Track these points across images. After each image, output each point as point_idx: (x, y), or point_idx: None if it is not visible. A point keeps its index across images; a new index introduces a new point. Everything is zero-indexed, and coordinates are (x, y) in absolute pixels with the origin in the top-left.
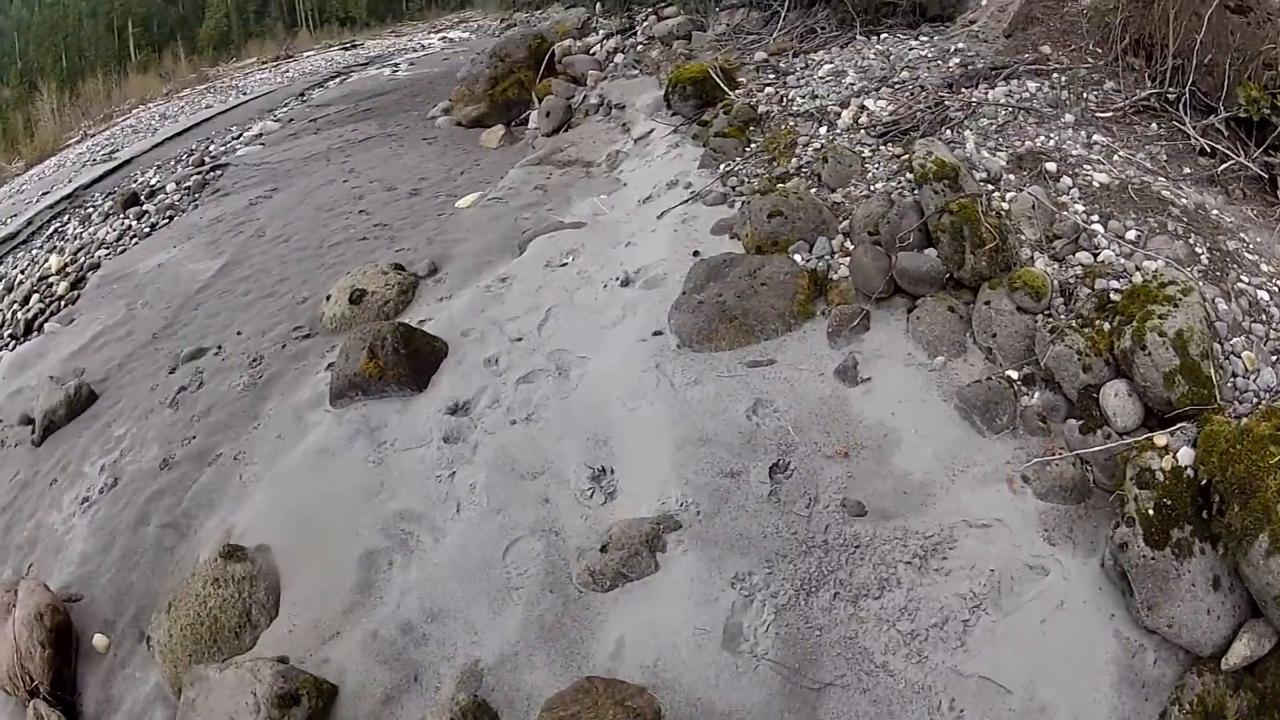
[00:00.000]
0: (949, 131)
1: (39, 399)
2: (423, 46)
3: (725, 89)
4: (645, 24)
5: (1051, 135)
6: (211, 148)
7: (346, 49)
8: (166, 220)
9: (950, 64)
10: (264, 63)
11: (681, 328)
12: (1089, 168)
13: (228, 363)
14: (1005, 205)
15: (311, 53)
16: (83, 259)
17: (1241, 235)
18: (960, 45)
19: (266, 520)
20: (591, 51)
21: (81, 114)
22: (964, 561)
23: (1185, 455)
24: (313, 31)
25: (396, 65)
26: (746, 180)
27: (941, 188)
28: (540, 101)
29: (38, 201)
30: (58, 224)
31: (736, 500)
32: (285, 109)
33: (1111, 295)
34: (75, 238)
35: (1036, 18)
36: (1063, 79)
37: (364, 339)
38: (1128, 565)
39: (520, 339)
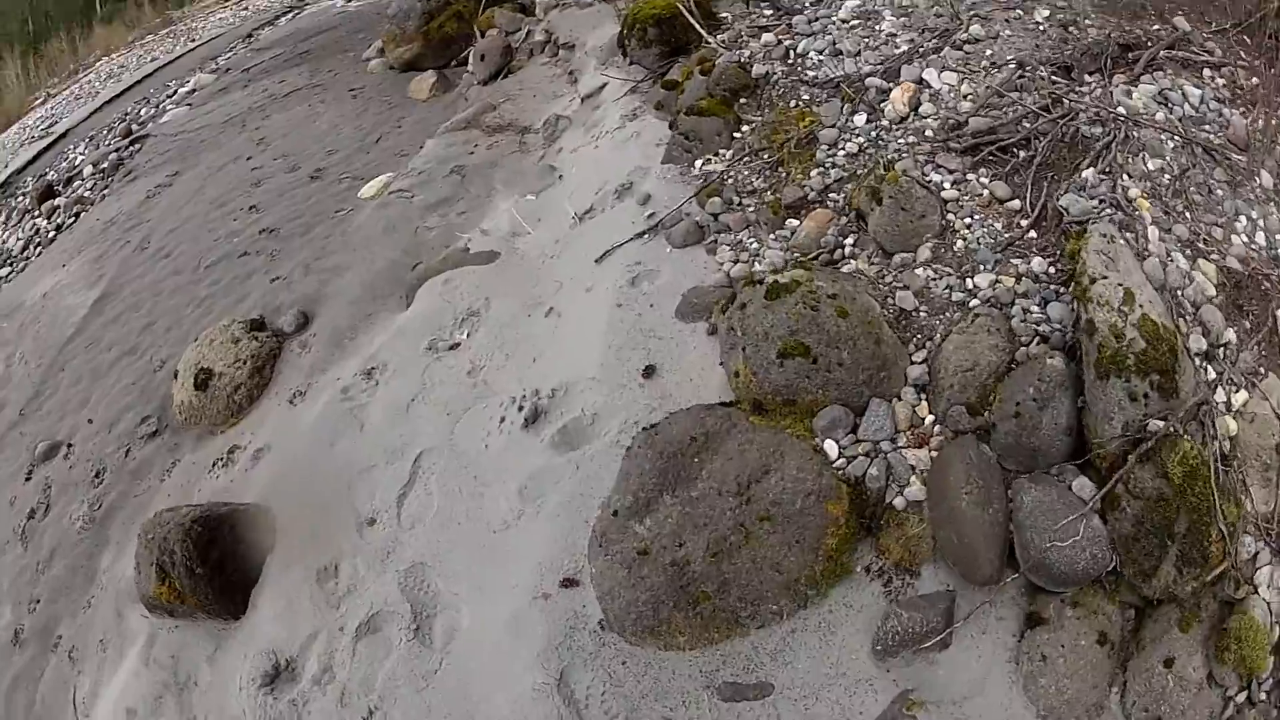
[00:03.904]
0: (1092, 174)
1: None
2: None
3: (703, 32)
4: None
5: (1254, 213)
6: (143, 111)
7: None
8: (73, 218)
9: (1040, 21)
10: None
11: (609, 592)
12: None
13: (74, 472)
14: (1231, 427)
15: None
16: None
17: None
18: None
19: None
20: None
21: (47, 74)
22: None
23: None
24: None
25: None
26: (736, 200)
27: (1146, 389)
28: (482, 37)
29: None
30: None
31: None
32: (227, 55)
33: None
34: None
35: None
36: (1223, 83)
37: (151, 550)
38: None
39: (373, 522)
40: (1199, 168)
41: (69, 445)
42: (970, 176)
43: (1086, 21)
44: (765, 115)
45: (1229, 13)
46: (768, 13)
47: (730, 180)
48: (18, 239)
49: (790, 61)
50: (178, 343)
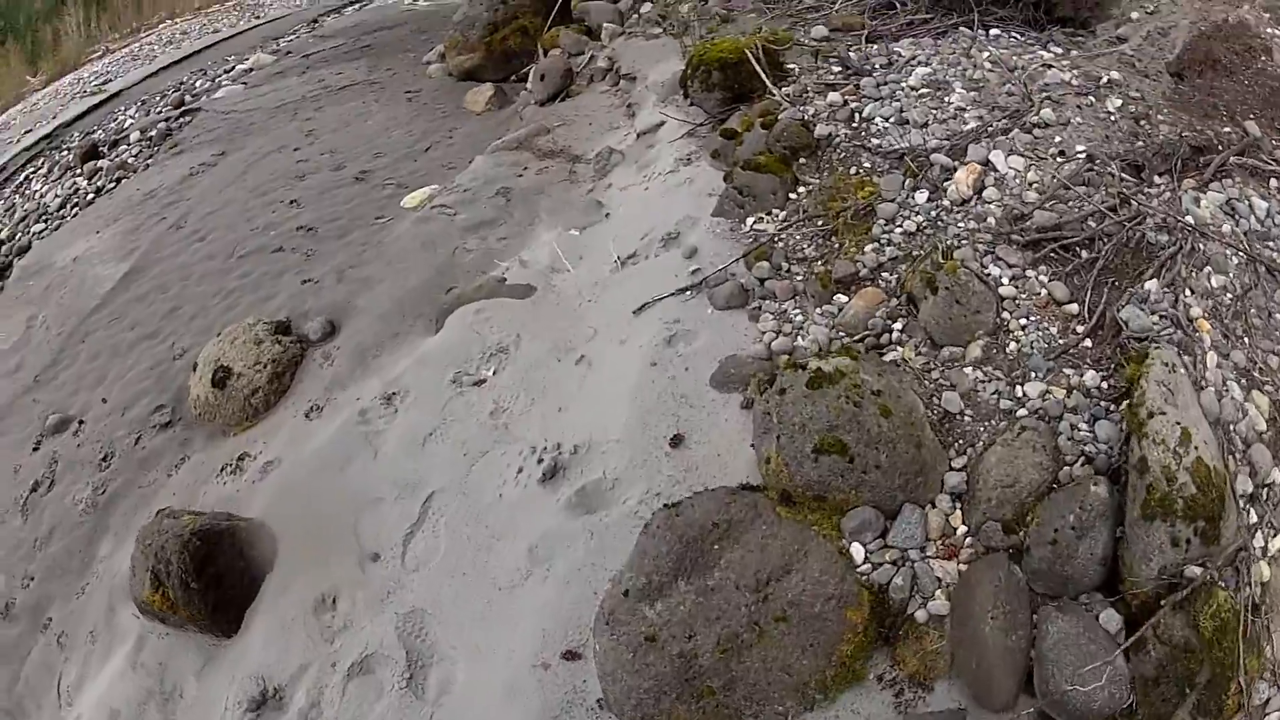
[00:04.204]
0: (1155, 287)
1: None
2: None
3: (768, 83)
4: None
5: None
6: (198, 83)
7: None
8: (114, 183)
9: (1112, 111)
10: None
11: (612, 673)
12: None
13: (82, 451)
14: (1265, 573)
15: None
16: (19, 235)
17: None
18: (1114, 76)
19: None
20: None
21: (108, 28)
22: None
23: None
24: None
25: None
26: (785, 267)
27: (1190, 535)
28: (545, 55)
29: (18, 141)
30: (31, 168)
31: None
32: (290, 38)
33: None
34: (28, 198)
35: (1218, 61)
36: None
37: (148, 556)
38: None
39: (376, 558)
40: (1260, 288)
41: (80, 422)
42: (1030, 273)
43: (1159, 116)
44: (824, 178)
45: None
46: (836, 69)
47: (781, 244)
48: (56, 195)
49: (855, 125)
50: (200, 333)
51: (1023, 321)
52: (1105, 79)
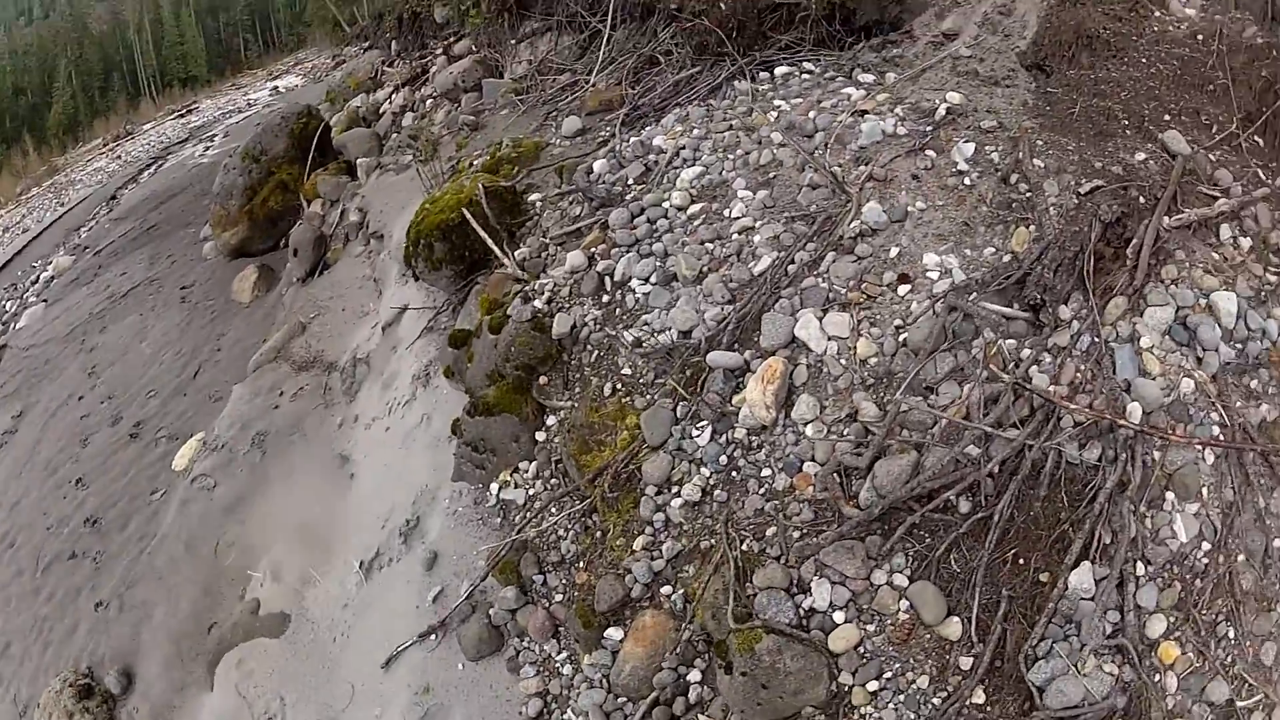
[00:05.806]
0: (1087, 579)
1: None
2: (249, 105)
3: (495, 250)
4: (436, 67)
5: None
6: (8, 305)
7: (182, 115)
8: None
9: (963, 167)
10: (106, 144)
11: None
12: None
13: None
14: None
15: (150, 124)
16: None
17: None
18: (954, 99)
19: None
20: (381, 111)
21: None
22: None
23: None
24: (155, 98)
25: (213, 138)
26: (540, 579)
27: None
28: (308, 205)
29: None
30: None
31: None
32: (89, 226)
33: None
34: None
35: (1093, 36)
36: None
37: None
38: None
39: None
40: (1252, 496)
41: None
42: (879, 576)
43: (1035, 161)
44: (575, 400)
45: (1231, 97)
46: (582, 206)
47: (534, 533)
48: None
49: (606, 301)
50: (31, 679)
51: (874, 685)
52: (942, 109)
